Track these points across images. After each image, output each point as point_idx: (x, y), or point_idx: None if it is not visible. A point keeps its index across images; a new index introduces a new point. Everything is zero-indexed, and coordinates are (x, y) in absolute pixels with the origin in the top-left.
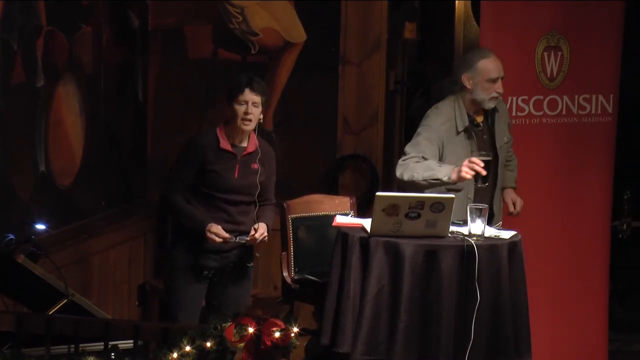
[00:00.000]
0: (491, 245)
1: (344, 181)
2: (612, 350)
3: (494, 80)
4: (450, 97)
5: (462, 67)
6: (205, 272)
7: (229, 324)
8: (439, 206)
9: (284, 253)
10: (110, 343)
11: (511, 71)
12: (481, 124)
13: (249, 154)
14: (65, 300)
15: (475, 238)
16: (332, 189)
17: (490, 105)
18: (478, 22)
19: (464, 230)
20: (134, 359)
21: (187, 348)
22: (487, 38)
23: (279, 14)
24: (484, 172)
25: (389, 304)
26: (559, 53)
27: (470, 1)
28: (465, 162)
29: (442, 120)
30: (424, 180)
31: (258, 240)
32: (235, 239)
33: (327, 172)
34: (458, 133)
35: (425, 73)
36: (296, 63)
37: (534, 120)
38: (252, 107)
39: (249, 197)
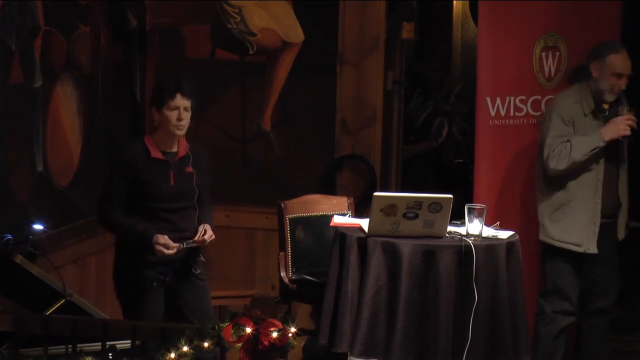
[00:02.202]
0: (489, 245)
1: (341, 181)
2: (612, 350)
3: (619, 76)
4: (575, 84)
5: (592, 56)
6: (155, 284)
7: (227, 323)
8: (437, 206)
9: (281, 253)
10: (108, 343)
11: (509, 71)
12: (607, 111)
13: (181, 158)
14: (63, 300)
15: (473, 238)
16: (330, 189)
17: (609, 98)
18: (476, 22)
19: (462, 230)
20: (131, 359)
21: (185, 348)
22: (485, 38)
23: (277, 14)
24: (635, 125)
25: (387, 304)
26: (557, 53)
27: (468, 2)
28: (619, 119)
29: (570, 102)
30: (583, 156)
31: (207, 242)
32: (183, 245)
33: (325, 172)
34: (585, 115)
35: (423, 73)
36: (294, 63)
37: (532, 121)
38: (183, 112)
39: (188, 202)
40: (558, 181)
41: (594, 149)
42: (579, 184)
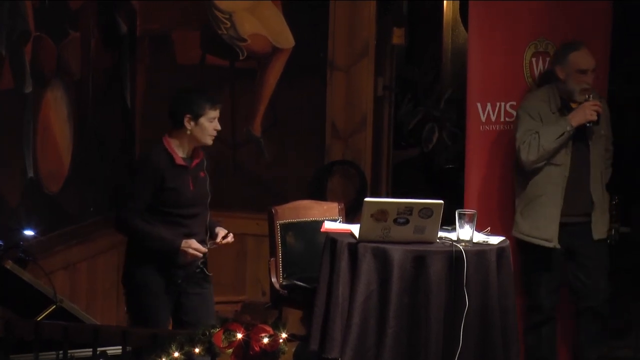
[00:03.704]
0: (479, 251)
1: (332, 187)
2: (600, 355)
3: (583, 72)
4: (544, 85)
5: (555, 60)
6: (173, 287)
7: (218, 329)
8: (428, 212)
9: (272, 259)
10: (98, 349)
11: (499, 77)
12: (574, 109)
13: (198, 163)
14: (54, 306)
15: (463, 244)
16: (320, 195)
17: (580, 98)
18: (466, 27)
19: (453, 235)
20: None
21: (176, 354)
22: (475, 44)
23: (267, 20)
24: (601, 110)
25: (377, 310)
26: (547, 59)
27: (458, 7)
28: (586, 104)
29: (537, 99)
30: (552, 142)
31: (230, 241)
32: (208, 246)
33: (315, 178)
34: (553, 113)
35: (414, 79)
36: (284, 69)
37: None
38: (217, 122)
39: (203, 207)
40: (529, 177)
41: (561, 135)
42: (547, 180)
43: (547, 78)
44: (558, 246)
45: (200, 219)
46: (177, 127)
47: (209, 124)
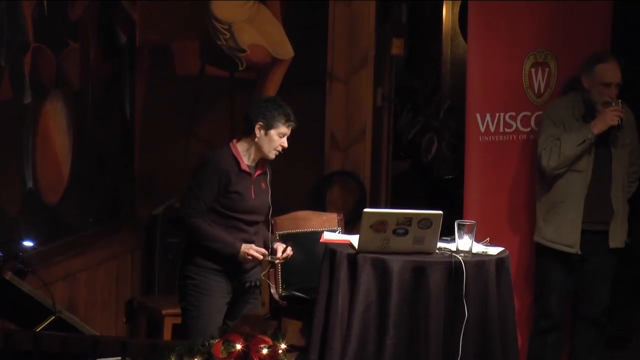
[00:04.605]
0: (479, 262)
1: (331, 197)
2: None
3: (607, 85)
4: (570, 93)
5: (583, 68)
6: (229, 294)
7: (217, 340)
8: (427, 222)
9: (271, 269)
10: None
11: (498, 87)
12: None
13: (260, 174)
14: (53, 317)
15: (462, 254)
16: (319, 206)
17: (602, 109)
18: (465, 38)
19: (452, 246)
20: None
21: None
22: (474, 54)
23: (267, 31)
24: (623, 115)
25: (376, 320)
26: (547, 69)
27: (457, 18)
28: (607, 110)
29: (560, 106)
30: (573, 149)
31: (290, 255)
32: (268, 257)
33: (314, 189)
34: (577, 120)
35: (413, 89)
36: (284, 79)
37: (521, 137)
38: (286, 140)
39: (262, 216)
40: (551, 183)
41: (582, 142)
42: (569, 186)
43: (573, 85)
44: (579, 252)
45: (258, 229)
46: (247, 133)
47: (278, 139)
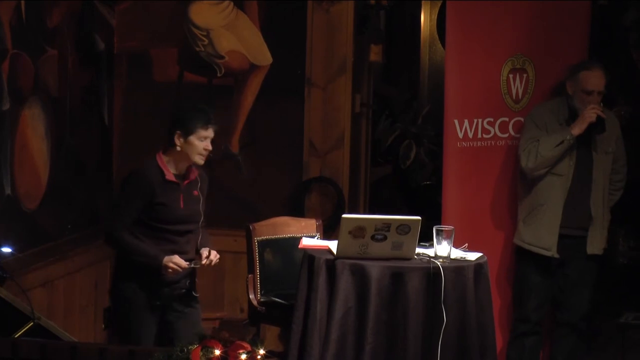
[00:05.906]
0: (457, 267)
1: (310, 203)
2: None
3: (589, 93)
4: (555, 97)
5: (567, 74)
6: (158, 303)
7: (196, 346)
8: (405, 228)
9: (250, 275)
10: None
11: (477, 93)
12: None
13: (190, 182)
14: (31, 323)
15: (441, 260)
16: (298, 212)
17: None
18: (444, 45)
19: (430, 252)
20: None
21: None
22: (452, 60)
23: (245, 37)
24: (603, 115)
25: (355, 326)
26: (525, 75)
27: (435, 24)
28: (585, 110)
29: (545, 109)
30: (551, 151)
31: (213, 262)
32: (191, 265)
33: (293, 195)
34: (560, 124)
35: (391, 95)
36: (262, 86)
37: (499, 142)
38: (209, 142)
39: (193, 225)
40: (532, 185)
41: (560, 142)
42: (549, 189)
43: (558, 90)
44: (557, 255)
45: (190, 238)
46: (170, 144)
47: (199, 143)
